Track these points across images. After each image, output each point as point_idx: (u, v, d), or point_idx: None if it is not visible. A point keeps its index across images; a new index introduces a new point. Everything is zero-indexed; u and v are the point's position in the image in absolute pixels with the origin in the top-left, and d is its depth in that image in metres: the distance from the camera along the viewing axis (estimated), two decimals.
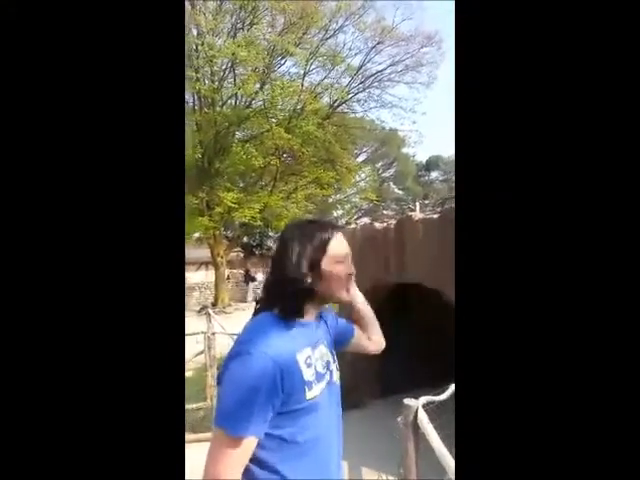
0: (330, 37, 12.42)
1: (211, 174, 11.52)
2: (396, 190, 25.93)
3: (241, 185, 13.15)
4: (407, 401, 2.16)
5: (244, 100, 11.86)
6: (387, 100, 13.45)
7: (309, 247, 0.89)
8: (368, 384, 4.40)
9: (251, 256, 17.53)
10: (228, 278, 14.39)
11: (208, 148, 11.39)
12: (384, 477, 2.97)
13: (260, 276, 14.25)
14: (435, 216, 4.24)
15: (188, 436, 3.24)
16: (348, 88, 12.75)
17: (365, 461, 3.17)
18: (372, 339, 1.12)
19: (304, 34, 11.74)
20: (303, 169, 12.70)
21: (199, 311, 10.68)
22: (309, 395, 0.84)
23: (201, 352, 4.84)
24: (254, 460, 0.81)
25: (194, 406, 4.12)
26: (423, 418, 2.08)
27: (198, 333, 4.80)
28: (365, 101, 13.61)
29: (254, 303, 1.01)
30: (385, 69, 13.07)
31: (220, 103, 11.86)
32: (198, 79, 10.58)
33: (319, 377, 0.89)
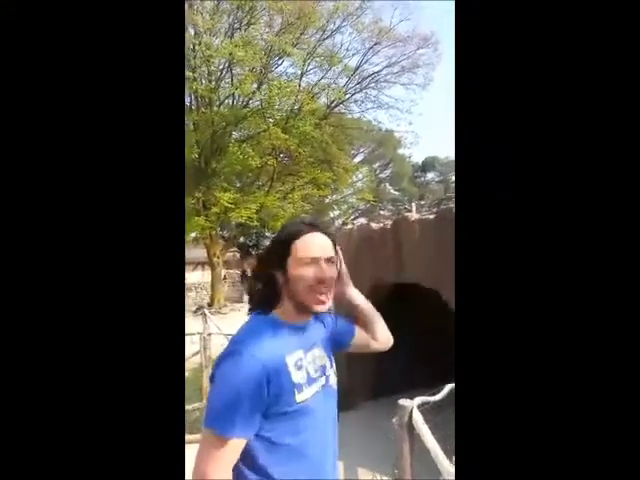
0: (327, 38, 12.44)
1: (208, 174, 11.50)
2: (392, 191, 25.98)
3: (238, 185, 13.13)
4: (402, 402, 2.17)
5: (241, 100, 11.85)
6: (384, 101, 13.49)
7: (277, 246, 0.90)
8: (364, 385, 4.40)
9: (247, 256, 17.49)
10: (224, 278, 14.35)
11: (205, 148, 11.37)
12: (379, 477, 2.97)
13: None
14: (431, 217, 4.25)
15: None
16: (345, 89, 12.76)
17: (360, 462, 3.17)
18: (377, 338, 1.08)
19: (301, 34, 11.75)
20: (300, 169, 12.70)
21: (195, 311, 10.64)
22: (299, 398, 0.84)
23: (197, 352, 4.83)
24: (245, 462, 0.81)
25: (190, 407, 4.10)
26: (418, 419, 2.09)
27: (194, 334, 4.79)
28: (362, 102, 13.64)
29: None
30: (382, 70, 13.11)
31: (217, 103, 11.85)
32: (195, 79, 10.56)
33: (311, 380, 0.88)
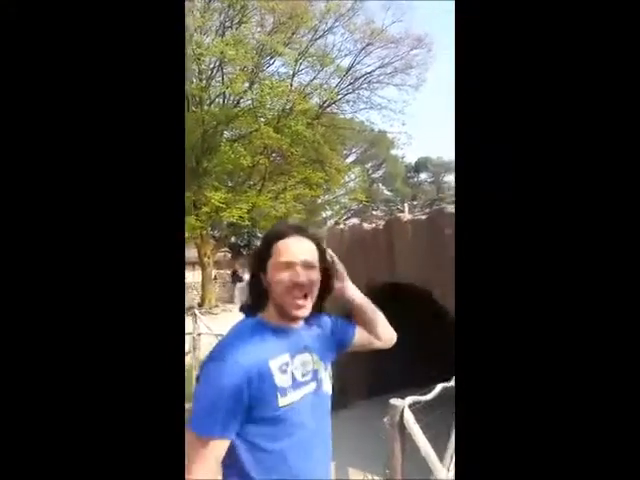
0: (319, 38, 12.44)
1: (199, 173, 11.41)
2: (385, 191, 26.08)
3: (229, 185, 13.06)
4: (393, 401, 2.17)
5: (232, 99, 11.79)
6: (376, 102, 13.52)
7: (261, 247, 0.92)
8: (357, 384, 4.41)
9: (238, 256, 17.41)
10: (215, 278, 14.27)
11: (196, 147, 11.28)
12: (369, 477, 2.97)
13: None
14: (423, 217, 4.27)
15: None
16: (337, 89, 12.77)
17: (352, 461, 3.17)
18: (379, 335, 1.07)
19: (293, 34, 11.73)
20: (292, 169, 12.67)
21: (185, 312, 10.54)
22: (282, 402, 0.83)
23: (187, 353, 4.79)
24: (231, 466, 0.82)
25: None
26: (409, 418, 2.09)
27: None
28: (354, 102, 13.65)
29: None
30: (374, 71, 13.14)
31: (208, 102, 11.77)
32: (186, 77, 10.47)
33: (297, 385, 0.87)
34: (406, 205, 13.28)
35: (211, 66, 11.55)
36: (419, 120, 37.38)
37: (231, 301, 13.70)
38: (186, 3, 10.69)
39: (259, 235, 17.15)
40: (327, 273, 0.94)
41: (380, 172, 24.56)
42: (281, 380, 0.84)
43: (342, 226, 5.99)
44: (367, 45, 12.71)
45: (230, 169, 12.23)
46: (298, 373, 0.88)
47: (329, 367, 0.98)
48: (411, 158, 28.23)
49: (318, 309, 0.94)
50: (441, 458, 2.32)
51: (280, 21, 11.28)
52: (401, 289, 3.98)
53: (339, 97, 13.00)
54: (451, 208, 3.86)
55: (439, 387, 2.65)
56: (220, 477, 0.80)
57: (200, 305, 11.95)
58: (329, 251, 0.97)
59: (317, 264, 0.91)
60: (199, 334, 4.88)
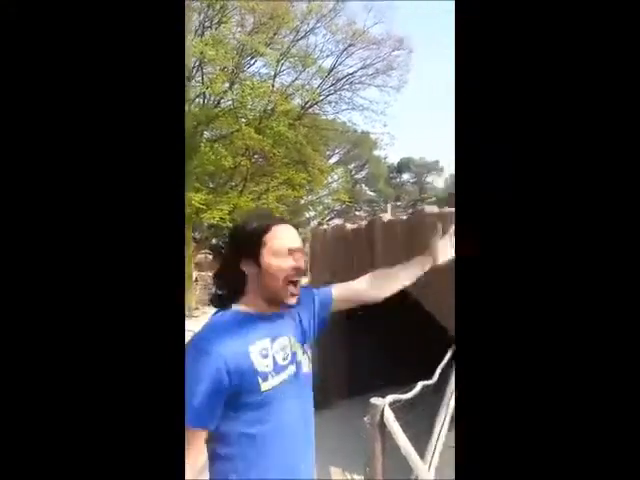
0: (301, 38, 12.43)
1: None
2: (368, 192, 26.25)
3: (210, 186, 12.91)
4: (374, 400, 2.17)
5: (212, 99, 11.66)
6: (358, 103, 13.59)
7: (247, 238, 0.90)
8: (338, 383, 4.41)
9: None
10: (196, 281, 14.07)
11: None
12: (349, 477, 2.97)
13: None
14: (404, 217, 4.31)
15: None
16: (319, 90, 12.78)
17: (333, 461, 3.17)
18: (366, 294, 1.09)
19: (275, 35, 11.67)
20: (274, 170, 12.62)
21: None
22: (264, 387, 0.84)
23: None
24: (216, 455, 0.84)
25: None
26: (389, 417, 2.10)
27: None
28: (336, 103, 13.70)
29: None
30: (356, 72, 13.20)
31: (188, 102, 11.61)
32: None
33: (278, 369, 0.88)
34: (389, 205, 13.41)
35: (191, 66, 11.39)
36: (401, 121, 37.76)
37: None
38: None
39: None
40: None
41: (363, 173, 24.71)
42: (262, 365, 0.85)
43: (325, 226, 6.00)
44: (349, 46, 12.77)
45: (211, 170, 12.09)
46: (279, 357, 0.89)
47: (308, 348, 0.99)
48: (393, 159, 28.47)
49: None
50: (422, 456, 2.34)
51: (261, 21, 11.22)
52: None
53: (321, 98, 13.01)
54: (430, 208, 3.90)
55: (420, 385, 2.67)
56: (202, 467, 0.81)
57: None
58: None
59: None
60: None
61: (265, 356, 0.86)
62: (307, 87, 12.51)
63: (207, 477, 0.86)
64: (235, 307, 0.90)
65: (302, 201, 15.61)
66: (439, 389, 2.80)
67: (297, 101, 12.63)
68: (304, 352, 0.97)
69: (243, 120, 11.59)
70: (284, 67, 12.30)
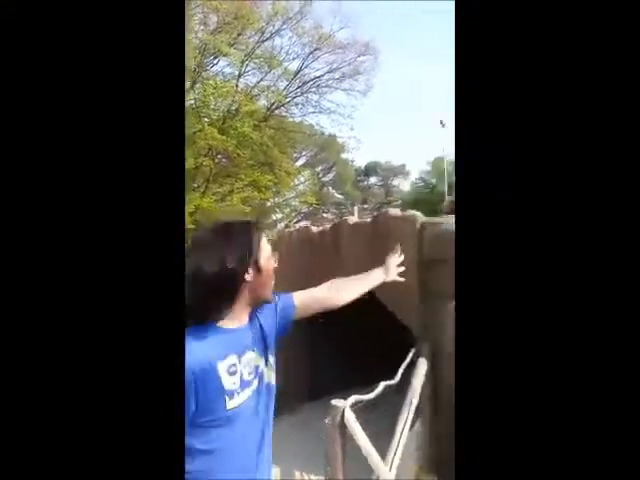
0: (267, 40, 12.33)
1: None
2: (336, 194, 26.44)
3: None
4: (334, 402, 2.17)
5: None
6: (325, 106, 13.66)
7: (246, 244, 0.91)
8: (300, 387, 4.39)
9: None
10: None
11: None
12: (306, 477, 2.96)
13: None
14: (369, 220, 4.36)
15: None
16: (285, 92, 12.74)
17: (297, 464, 3.15)
18: (327, 300, 1.12)
19: (239, 35, 11.52)
20: (239, 171, 12.43)
21: None
22: (230, 405, 0.84)
23: None
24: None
25: None
26: (350, 418, 2.10)
27: None
28: (303, 105, 13.70)
29: None
30: (323, 75, 13.27)
31: None
32: None
33: (244, 384, 0.88)
34: (355, 208, 13.56)
35: None
36: (367, 125, 38.38)
37: None
38: None
39: None
40: None
41: (330, 175, 24.85)
42: (229, 382, 0.84)
43: (291, 229, 5.97)
44: (315, 50, 12.82)
45: None
46: (245, 372, 0.89)
47: (271, 358, 0.99)
48: (360, 162, 28.83)
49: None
50: (384, 456, 2.37)
51: (225, 21, 11.04)
52: None
53: (287, 100, 12.97)
54: (394, 211, 3.98)
55: (382, 385, 2.70)
56: None
57: None
58: None
59: None
60: None
61: (233, 373, 0.86)
62: (273, 88, 12.43)
63: None
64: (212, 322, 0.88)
65: (268, 203, 15.48)
66: (401, 389, 2.85)
67: (263, 102, 12.52)
68: (267, 363, 0.97)
69: (206, 120, 11.35)
70: (249, 68, 12.18)
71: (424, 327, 3.23)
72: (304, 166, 18.99)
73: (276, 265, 0.96)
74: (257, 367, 0.93)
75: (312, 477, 2.98)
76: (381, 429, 2.52)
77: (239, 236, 0.91)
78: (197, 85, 11.01)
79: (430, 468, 2.93)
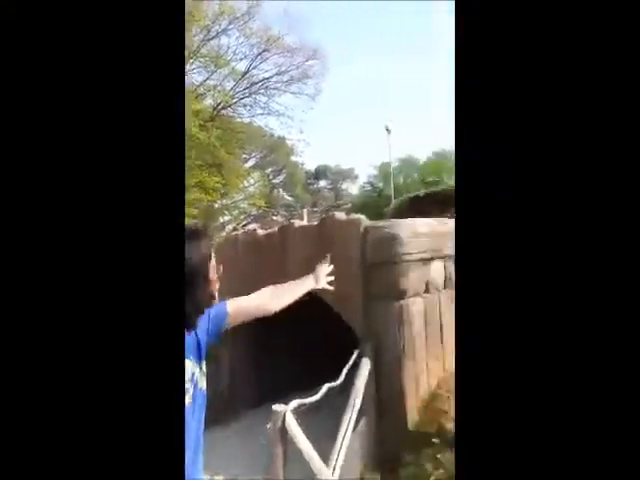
0: (212, 38, 12.03)
1: None
2: (286, 197, 26.34)
3: None
4: (276, 407, 2.16)
5: None
6: (274, 108, 13.58)
7: (206, 254, 0.96)
8: (246, 392, 4.32)
9: None
10: None
11: None
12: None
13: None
14: (315, 223, 4.39)
15: None
16: (233, 92, 12.51)
17: (241, 471, 3.08)
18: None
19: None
20: (186, 172, 12.01)
21: None
22: None
23: None
24: None
25: None
26: (291, 422, 2.10)
27: None
28: (251, 107, 13.52)
29: None
30: (271, 77, 13.19)
31: None
32: None
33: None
34: (305, 211, 13.61)
35: None
36: (316, 128, 38.75)
37: None
38: None
39: None
40: None
41: (280, 177, 24.73)
42: None
43: (238, 232, 5.86)
44: (263, 51, 12.72)
45: None
46: (186, 380, 0.91)
47: (204, 365, 1.01)
48: (310, 165, 28.99)
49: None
50: (328, 457, 2.38)
51: None
52: None
53: (235, 100, 12.74)
54: (340, 215, 4.03)
55: (325, 387, 2.72)
56: None
57: None
58: None
59: None
60: None
61: None
62: (219, 88, 12.16)
63: None
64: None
65: (216, 205, 15.07)
66: (345, 390, 2.89)
67: (209, 102, 12.20)
68: (201, 369, 0.99)
69: None
70: (194, 66, 11.81)
71: (368, 328, 3.30)
72: (254, 168, 18.74)
73: (219, 274, 0.99)
74: (193, 374, 0.95)
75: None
76: (325, 431, 2.54)
77: (207, 245, 0.96)
78: None
79: (374, 466, 3.00)
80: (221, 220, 16.06)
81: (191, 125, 10.58)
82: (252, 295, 1.15)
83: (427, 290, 3.32)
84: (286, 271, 4.05)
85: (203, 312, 0.98)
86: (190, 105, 10.02)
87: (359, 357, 3.18)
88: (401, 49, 42.95)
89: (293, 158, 21.20)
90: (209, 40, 11.99)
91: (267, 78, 13.12)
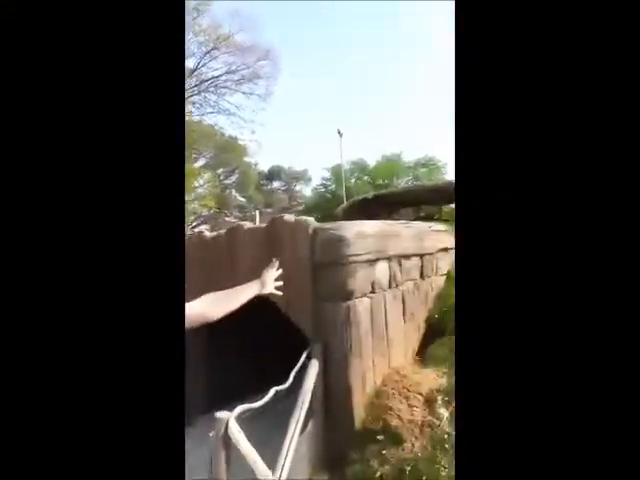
0: None
1: None
2: (239, 198, 25.88)
3: None
4: (219, 414, 2.12)
5: None
6: (224, 107, 13.34)
7: None
8: (199, 399, 4.20)
9: None
10: None
11: None
12: None
13: None
14: (264, 225, 4.35)
15: None
16: None
17: (194, 477, 2.98)
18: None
19: None
20: None
21: None
22: None
23: None
24: None
25: None
26: (234, 428, 2.07)
27: None
28: (201, 105, 13.20)
29: None
30: (221, 76, 12.94)
31: None
32: None
33: None
34: (257, 212, 13.45)
35: None
36: (269, 129, 38.52)
37: None
38: None
39: None
40: None
41: (233, 178, 24.27)
42: None
43: (188, 233, 5.67)
44: (212, 49, 12.44)
45: None
46: None
47: None
48: (263, 166, 28.71)
49: None
50: (276, 460, 2.37)
51: None
52: None
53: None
54: (289, 217, 4.03)
55: (272, 391, 2.70)
56: None
57: None
58: None
59: None
60: None
61: None
62: None
63: None
64: None
65: None
66: (293, 392, 2.89)
67: None
68: None
69: None
70: None
71: (316, 329, 3.32)
72: (204, 167, 18.24)
73: None
74: None
75: None
76: (273, 434, 2.52)
77: None
78: None
79: (322, 467, 3.02)
80: None
81: None
82: (192, 302, 1.08)
83: (373, 290, 3.40)
84: (234, 274, 3.98)
85: None
86: None
87: (308, 358, 3.19)
88: (355, 52, 43.81)
89: (246, 159, 20.89)
90: None
91: (217, 76, 12.86)
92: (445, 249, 4.41)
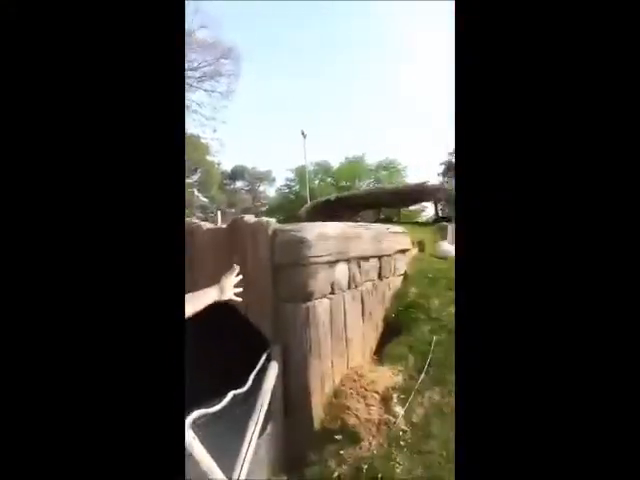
0: None
1: None
2: (201, 197, 25.29)
3: None
4: None
5: None
6: (185, 104, 12.99)
7: None
8: None
9: None
10: None
11: None
12: None
13: None
14: (224, 226, 4.28)
15: None
16: None
17: None
18: None
19: None
20: None
21: None
22: None
23: None
24: None
25: None
26: (188, 434, 2.03)
27: None
28: None
29: None
30: None
31: None
32: None
33: None
34: (219, 213, 13.20)
35: None
36: (233, 129, 37.93)
37: None
38: None
39: None
40: None
41: (195, 177, 23.70)
42: None
43: None
44: None
45: None
46: None
47: None
48: (226, 166, 28.26)
49: None
50: (234, 463, 2.34)
51: None
52: None
53: None
54: (249, 217, 3.99)
55: (230, 395, 2.67)
56: None
57: None
58: None
59: None
60: None
61: None
62: None
63: None
64: None
65: None
66: (252, 395, 2.86)
67: None
68: None
69: None
70: None
71: (276, 330, 3.31)
72: None
73: None
74: None
75: None
76: (231, 438, 2.49)
77: None
78: None
79: (281, 469, 3.01)
80: None
81: None
82: None
83: (332, 291, 3.44)
84: (193, 275, 3.89)
85: None
86: None
87: (267, 360, 3.17)
88: (322, 53, 44.07)
89: (209, 157, 20.48)
90: None
91: None
92: (402, 251, 4.54)
